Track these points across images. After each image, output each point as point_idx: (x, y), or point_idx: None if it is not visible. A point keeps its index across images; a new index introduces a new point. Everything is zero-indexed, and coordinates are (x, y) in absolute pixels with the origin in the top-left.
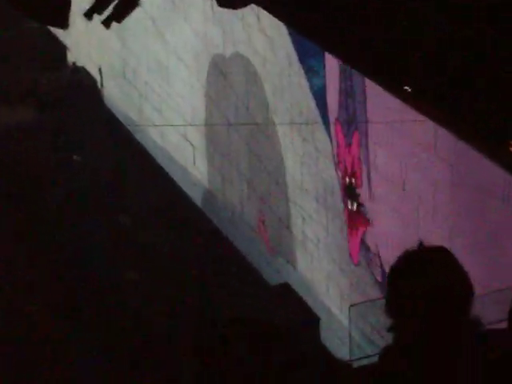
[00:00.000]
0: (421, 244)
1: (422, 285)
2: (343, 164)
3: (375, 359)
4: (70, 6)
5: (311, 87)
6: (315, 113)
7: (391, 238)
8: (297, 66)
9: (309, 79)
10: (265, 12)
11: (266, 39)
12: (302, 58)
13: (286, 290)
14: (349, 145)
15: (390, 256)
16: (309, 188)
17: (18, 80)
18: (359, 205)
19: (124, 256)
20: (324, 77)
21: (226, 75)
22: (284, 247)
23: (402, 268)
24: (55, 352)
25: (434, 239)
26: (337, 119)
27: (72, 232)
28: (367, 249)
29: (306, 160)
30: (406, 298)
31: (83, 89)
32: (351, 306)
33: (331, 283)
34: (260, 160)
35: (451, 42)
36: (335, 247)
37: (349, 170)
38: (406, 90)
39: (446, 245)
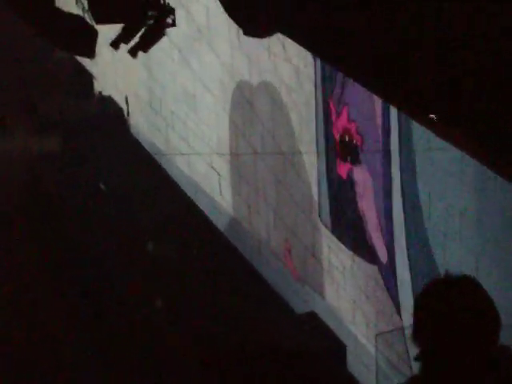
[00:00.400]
0: (447, 272)
1: (448, 313)
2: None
3: None
4: (96, 36)
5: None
6: None
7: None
8: (322, 94)
9: (334, 107)
10: (290, 41)
11: (292, 68)
12: (328, 86)
13: (312, 319)
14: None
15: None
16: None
17: (46, 108)
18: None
19: (154, 284)
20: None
21: (251, 104)
22: (310, 276)
23: (429, 296)
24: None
25: (461, 266)
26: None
27: (99, 261)
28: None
29: None
30: (433, 326)
31: (109, 118)
32: (378, 334)
33: (357, 311)
34: (286, 189)
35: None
36: (361, 275)
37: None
38: (432, 118)
39: (473, 273)
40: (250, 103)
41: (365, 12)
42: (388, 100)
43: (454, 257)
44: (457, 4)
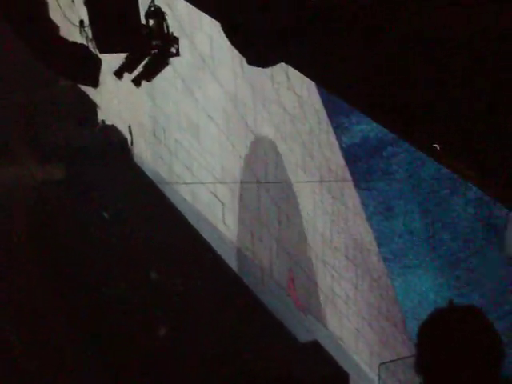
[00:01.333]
0: (451, 302)
1: (451, 344)
2: None
3: None
4: (100, 64)
5: (340, 145)
6: (344, 170)
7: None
8: (326, 123)
9: (338, 137)
10: (294, 70)
11: (296, 97)
12: (331, 115)
13: (315, 347)
14: None
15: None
16: (338, 245)
17: (49, 135)
18: None
19: (157, 312)
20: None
21: (255, 133)
22: (313, 304)
23: (432, 326)
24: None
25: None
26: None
27: (101, 285)
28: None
29: (335, 218)
30: (435, 356)
31: (113, 146)
32: (381, 364)
33: (360, 340)
34: (289, 218)
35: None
36: (364, 304)
37: None
38: (436, 147)
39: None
40: (253, 132)
41: (368, 39)
42: (392, 130)
43: (460, 281)
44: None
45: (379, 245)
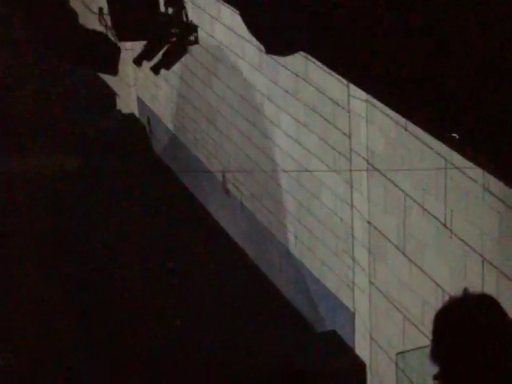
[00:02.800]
0: (465, 290)
1: (466, 331)
2: None
3: None
4: (119, 53)
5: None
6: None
7: (438, 284)
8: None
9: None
10: (312, 59)
11: (313, 88)
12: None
13: (332, 337)
14: None
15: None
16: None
17: (68, 126)
18: None
19: (169, 298)
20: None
21: (273, 122)
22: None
23: (447, 315)
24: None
25: (482, 286)
26: None
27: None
28: None
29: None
30: (451, 345)
31: (131, 135)
32: (398, 353)
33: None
34: (307, 206)
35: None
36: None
37: None
38: (454, 136)
39: (494, 293)
40: (271, 122)
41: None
42: (410, 118)
43: (475, 274)
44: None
45: None
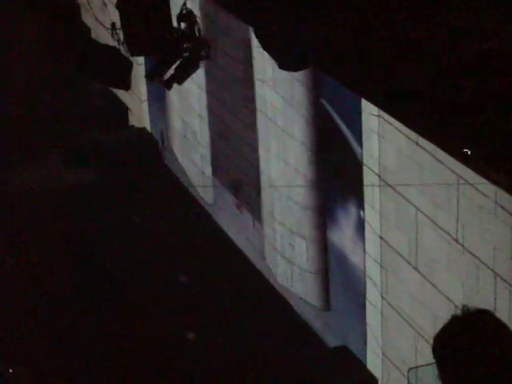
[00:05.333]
0: (465, 308)
1: (470, 350)
2: None
3: None
4: (131, 67)
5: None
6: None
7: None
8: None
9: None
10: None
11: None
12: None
13: (344, 352)
14: None
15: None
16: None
17: (80, 139)
18: None
19: (184, 313)
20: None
21: (286, 134)
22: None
23: (450, 334)
24: None
25: (494, 301)
26: None
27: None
28: None
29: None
30: (456, 363)
31: (143, 149)
32: (410, 369)
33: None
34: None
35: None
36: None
37: None
38: (466, 152)
39: (506, 307)
40: (284, 133)
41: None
42: (422, 133)
43: (487, 290)
44: None
45: None
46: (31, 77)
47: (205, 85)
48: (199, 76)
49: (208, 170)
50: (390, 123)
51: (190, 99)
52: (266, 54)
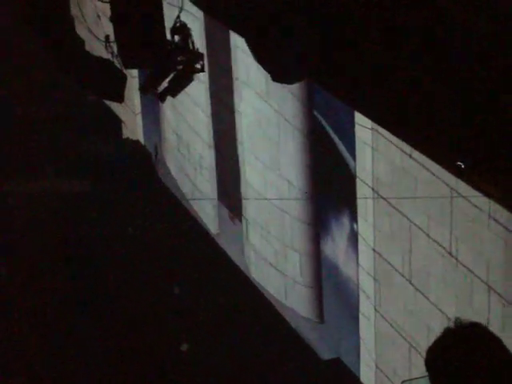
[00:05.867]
0: (457, 321)
1: (459, 362)
2: None
3: None
4: (125, 80)
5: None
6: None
7: (443, 312)
8: None
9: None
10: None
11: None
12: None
13: (337, 364)
14: None
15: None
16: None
17: (73, 152)
18: None
19: (175, 323)
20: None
21: (278, 148)
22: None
23: (442, 347)
24: None
25: (488, 314)
26: None
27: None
28: None
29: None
30: (448, 377)
31: (137, 162)
32: (403, 381)
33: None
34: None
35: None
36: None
37: None
38: (460, 165)
39: (499, 320)
40: (277, 146)
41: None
42: (415, 146)
43: (481, 303)
44: None
45: None
46: (26, 89)
47: (210, 108)
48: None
49: (201, 182)
50: (384, 136)
51: (186, 115)
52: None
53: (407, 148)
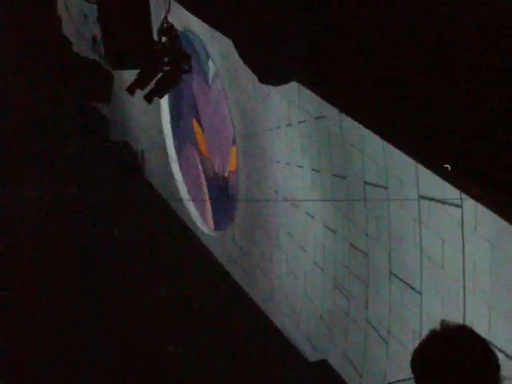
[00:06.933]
0: (443, 323)
1: (445, 364)
2: None
3: None
4: (112, 81)
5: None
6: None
7: (432, 314)
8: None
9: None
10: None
11: (307, 115)
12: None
13: (324, 366)
14: None
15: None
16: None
17: (61, 153)
18: None
19: (163, 326)
20: None
21: (264, 149)
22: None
23: (427, 349)
24: None
25: (474, 317)
26: None
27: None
28: None
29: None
30: (432, 377)
31: (124, 163)
32: (389, 383)
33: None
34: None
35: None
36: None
37: None
38: (447, 167)
39: (485, 322)
40: (265, 151)
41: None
42: (402, 148)
43: (468, 307)
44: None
45: None
46: (12, 90)
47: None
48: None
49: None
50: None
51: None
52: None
53: None
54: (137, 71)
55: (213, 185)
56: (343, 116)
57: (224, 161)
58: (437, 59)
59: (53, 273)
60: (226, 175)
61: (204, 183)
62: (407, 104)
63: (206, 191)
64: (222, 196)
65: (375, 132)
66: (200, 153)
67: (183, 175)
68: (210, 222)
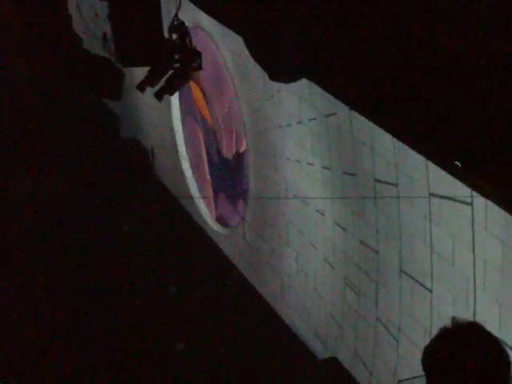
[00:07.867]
0: (454, 321)
1: (456, 361)
2: None
3: None
4: (123, 78)
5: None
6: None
7: (442, 312)
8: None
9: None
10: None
11: (316, 113)
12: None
13: (334, 364)
14: None
15: None
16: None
17: (71, 149)
18: None
19: (172, 323)
20: None
21: (274, 147)
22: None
23: (439, 347)
24: None
25: (484, 315)
26: None
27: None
28: None
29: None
30: (443, 375)
31: (134, 159)
32: (399, 381)
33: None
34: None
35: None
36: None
37: None
38: (457, 165)
39: (496, 320)
40: (273, 146)
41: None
42: (413, 147)
43: (478, 305)
44: None
45: None
46: (23, 86)
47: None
48: None
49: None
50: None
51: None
52: None
53: None
54: (147, 68)
55: (220, 165)
56: (353, 113)
57: (233, 140)
58: (446, 57)
59: (61, 269)
60: (241, 151)
61: (206, 165)
62: (417, 101)
63: (209, 177)
64: (230, 180)
65: (385, 130)
66: (203, 120)
67: (193, 172)
68: (214, 213)
